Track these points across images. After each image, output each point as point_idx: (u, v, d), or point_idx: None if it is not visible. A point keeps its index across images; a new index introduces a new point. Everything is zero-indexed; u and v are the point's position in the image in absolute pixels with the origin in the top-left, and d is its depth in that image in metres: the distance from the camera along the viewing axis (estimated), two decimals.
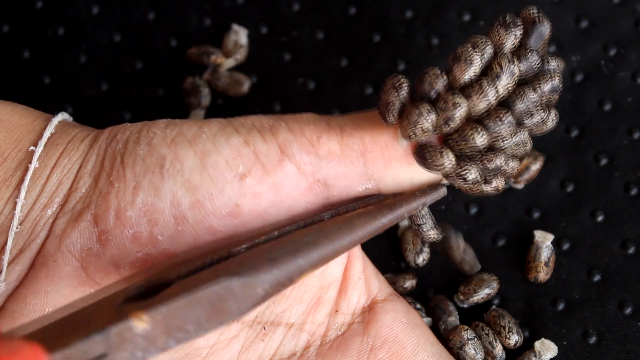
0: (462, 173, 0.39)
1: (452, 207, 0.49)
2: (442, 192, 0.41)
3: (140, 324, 0.34)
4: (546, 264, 0.47)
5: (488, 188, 0.41)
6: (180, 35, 0.53)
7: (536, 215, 0.49)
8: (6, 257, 0.40)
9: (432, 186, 0.41)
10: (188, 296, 0.35)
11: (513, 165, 0.41)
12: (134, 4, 0.54)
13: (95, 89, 0.53)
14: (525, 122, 0.40)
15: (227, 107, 0.52)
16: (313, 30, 0.53)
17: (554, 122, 0.41)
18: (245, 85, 0.52)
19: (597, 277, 0.48)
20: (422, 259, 0.48)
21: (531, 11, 0.41)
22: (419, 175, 0.41)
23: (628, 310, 0.47)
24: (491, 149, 0.40)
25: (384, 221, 0.40)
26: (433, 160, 0.39)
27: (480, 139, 0.39)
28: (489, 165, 0.40)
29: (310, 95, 0.52)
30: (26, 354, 0.32)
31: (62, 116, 0.43)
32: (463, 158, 0.40)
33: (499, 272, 0.48)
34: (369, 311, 0.43)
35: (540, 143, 0.50)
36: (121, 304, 0.35)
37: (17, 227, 0.40)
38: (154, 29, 0.53)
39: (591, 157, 0.50)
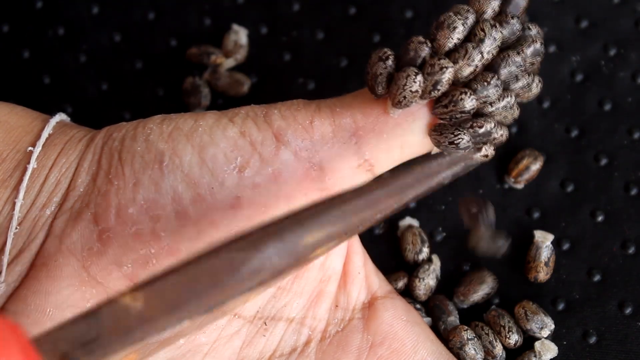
0: (454, 140, 0.40)
1: (452, 207, 0.49)
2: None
3: (134, 302, 0.32)
4: (546, 264, 0.47)
5: (478, 155, 0.42)
6: (180, 35, 0.53)
7: (536, 215, 0.49)
8: (5, 258, 0.40)
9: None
10: (185, 271, 0.33)
11: (502, 133, 0.41)
12: (134, 4, 0.54)
13: (95, 89, 0.53)
14: (511, 86, 0.41)
15: (227, 107, 0.51)
16: (313, 30, 0.53)
17: (539, 87, 0.42)
18: (246, 85, 0.52)
19: (597, 277, 0.48)
20: (421, 258, 0.48)
21: None
22: (410, 147, 0.41)
23: (628, 310, 0.47)
24: (480, 114, 0.41)
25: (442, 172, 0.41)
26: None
27: (469, 102, 0.40)
28: (479, 131, 0.40)
29: (310, 95, 0.52)
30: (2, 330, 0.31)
31: (60, 117, 0.43)
32: (454, 124, 0.40)
33: (499, 272, 0.48)
34: (368, 308, 0.44)
35: (541, 143, 0.50)
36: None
37: (16, 228, 0.40)
38: (154, 29, 0.53)
39: (591, 157, 0.50)
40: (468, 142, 0.40)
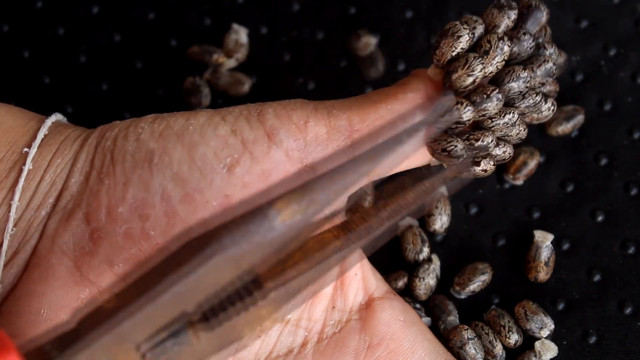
0: (447, 147, 0.39)
1: (452, 207, 0.49)
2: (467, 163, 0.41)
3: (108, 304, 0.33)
4: (546, 263, 0.47)
5: (477, 169, 0.41)
6: (180, 35, 0.53)
7: (536, 215, 0.49)
8: (1, 260, 0.40)
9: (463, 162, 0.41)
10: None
11: (505, 150, 0.41)
12: (134, 4, 0.54)
13: (95, 89, 0.53)
14: (516, 103, 0.40)
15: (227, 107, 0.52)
16: (313, 30, 0.53)
17: (551, 110, 0.41)
18: (246, 84, 0.52)
19: (597, 277, 0.48)
20: (422, 258, 0.48)
21: None
22: (407, 152, 0.41)
23: (628, 310, 0.47)
24: (479, 127, 0.40)
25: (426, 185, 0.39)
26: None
27: (465, 113, 0.39)
28: (476, 144, 0.40)
29: (310, 95, 0.52)
30: None
31: (56, 117, 0.43)
32: (450, 134, 0.40)
33: (499, 271, 0.48)
34: (366, 309, 0.43)
35: (541, 143, 0.50)
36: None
37: (12, 230, 0.40)
38: (154, 29, 0.53)
39: (591, 157, 0.50)
40: (462, 150, 0.39)
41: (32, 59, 0.53)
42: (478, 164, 0.41)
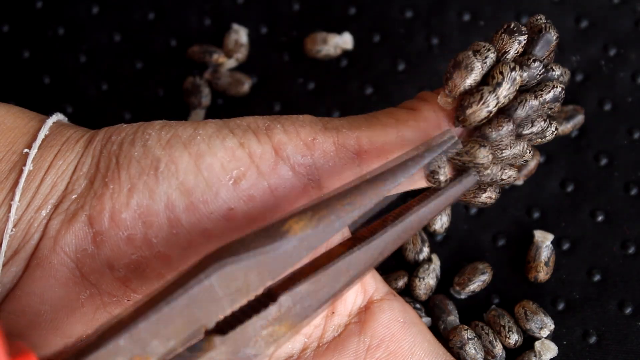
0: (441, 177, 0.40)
1: (452, 207, 0.49)
2: (474, 179, 0.41)
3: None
4: (546, 263, 0.47)
5: (483, 196, 0.41)
6: (180, 35, 0.53)
7: (536, 215, 0.49)
8: (0, 259, 0.40)
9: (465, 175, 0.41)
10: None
11: (511, 175, 0.41)
12: (134, 4, 0.54)
13: (95, 89, 0.53)
14: (524, 131, 0.40)
15: (227, 107, 0.52)
16: (313, 31, 0.53)
17: (553, 133, 0.41)
18: (246, 85, 0.52)
19: (597, 277, 0.48)
20: (422, 258, 0.48)
21: (538, 19, 0.41)
22: (415, 178, 0.41)
23: (628, 310, 0.47)
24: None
25: (432, 206, 0.40)
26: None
27: (483, 156, 0.39)
28: (485, 172, 0.40)
29: (310, 95, 0.52)
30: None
31: (57, 117, 0.43)
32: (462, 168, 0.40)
33: (499, 271, 0.48)
34: (365, 311, 0.43)
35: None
36: None
37: (11, 230, 0.40)
38: (154, 29, 0.53)
39: (591, 157, 0.50)
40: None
41: (32, 59, 0.53)
42: (484, 191, 0.41)
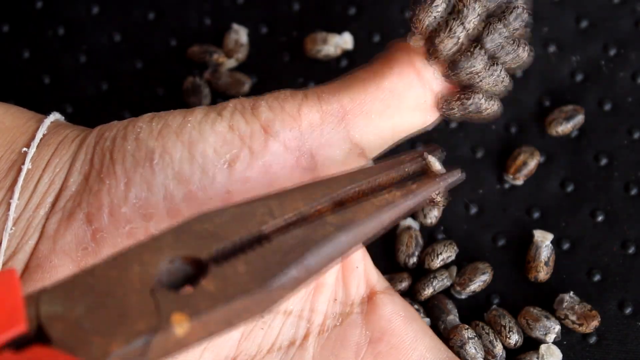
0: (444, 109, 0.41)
1: (452, 207, 0.49)
2: (460, 176, 0.41)
3: (181, 330, 0.33)
4: (546, 263, 0.47)
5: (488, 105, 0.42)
6: (180, 35, 0.53)
7: (536, 215, 0.49)
8: (0, 259, 0.40)
9: (449, 171, 0.41)
10: (229, 303, 0.34)
11: (493, 103, 0.42)
12: (134, 4, 0.54)
13: (95, 89, 0.53)
14: (498, 55, 0.41)
15: None
16: (313, 30, 0.53)
17: (526, 51, 0.41)
18: (246, 84, 0.52)
19: (597, 277, 0.48)
20: (412, 262, 0.48)
21: None
22: (400, 125, 0.42)
23: (628, 310, 0.47)
24: (468, 86, 0.41)
25: (409, 203, 0.39)
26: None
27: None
28: (468, 102, 0.41)
29: None
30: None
31: (55, 117, 0.43)
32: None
33: (499, 271, 0.48)
34: (367, 302, 0.43)
35: (541, 143, 0.50)
36: (157, 294, 0.34)
37: (11, 229, 0.40)
38: (154, 29, 0.53)
39: (591, 157, 0.50)
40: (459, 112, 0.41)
41: (32, 59, 0.53)
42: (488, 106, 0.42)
